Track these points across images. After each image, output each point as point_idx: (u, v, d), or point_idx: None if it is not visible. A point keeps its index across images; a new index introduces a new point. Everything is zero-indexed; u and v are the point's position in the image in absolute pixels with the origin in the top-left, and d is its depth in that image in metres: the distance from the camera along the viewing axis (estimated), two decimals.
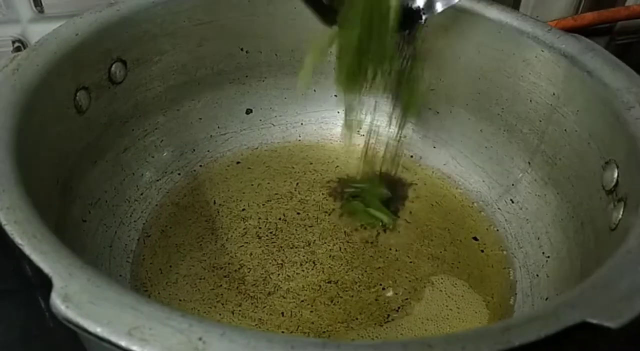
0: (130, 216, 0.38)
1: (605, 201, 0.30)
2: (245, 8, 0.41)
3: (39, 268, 0.19)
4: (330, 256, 0.38)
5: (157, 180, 0.41)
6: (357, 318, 0.34)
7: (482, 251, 0.39)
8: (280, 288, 0.36)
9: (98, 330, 0.17)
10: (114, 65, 0.36)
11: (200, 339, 0.17)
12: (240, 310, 0.34)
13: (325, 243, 0.39)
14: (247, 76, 0.44)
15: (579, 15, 0.62)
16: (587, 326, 0.18)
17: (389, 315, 0.34)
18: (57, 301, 0.18)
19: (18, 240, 0.20)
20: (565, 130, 0.35)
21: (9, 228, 0.20)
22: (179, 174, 0.42)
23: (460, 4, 0.39)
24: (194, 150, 0.43)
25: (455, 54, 0.41)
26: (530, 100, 0.38)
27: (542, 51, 0.36)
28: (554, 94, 0.36)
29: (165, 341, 0.17)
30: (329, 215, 0.41)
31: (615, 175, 0.29)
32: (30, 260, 0.19)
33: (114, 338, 0.17)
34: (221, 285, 0.35)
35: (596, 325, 0.18)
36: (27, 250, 0.19)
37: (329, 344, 0.17)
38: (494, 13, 0.38)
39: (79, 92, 0.33)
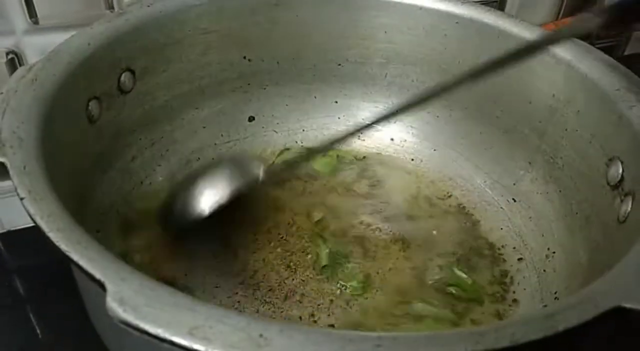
0: None
1: (610, 196, 0.32)
2: (248, 17, 0.42)
3: (89, 273, 0.19)
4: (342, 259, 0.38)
5: (165, 189, 0.41)
6: (375, 320, 0.34)
7: (487, 249, 0.40)
8: (296, 292, 0.36)
9: (159, 331, 0.17)
10: (123, 75, 0.36)
11: (261, 336, 0.17)
12: (258, 316, 0.34)
13: (336, 246, 0.39)
14: (249, 84, 0.45)
15: (560, 20, 0.64)
16: (622, 311, 0.19)
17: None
18: (114, 305, 0.18)
19: (64, 247, 0.20)
20: (565, 129, 0.37)
21: (53, 236, 0.20)
22: None
23: (459, 10, 0.40)
24: (199, 158, 0.44)
25: (454, 59, 0.42)
26: (530, 102, 0.39)
27: (541, 54, 0.37)
28: (553, 96, 0.37)
29: (228, 339, 0.17)
30: (338, 217, 0.41)
31: (620, 170, 0.31)
32: (79, 266, 0.19)
33: (176, 338, 0.17)
34: (237, 292, 0.36)
35: (631, 309, 0.19)
36: (75, 256, 0.20)
37: (385, 337, 0.17)
38: (492, 19, 0.40)
39: (91, 102, 0.34)
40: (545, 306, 0.35)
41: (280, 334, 0.17)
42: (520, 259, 0.39)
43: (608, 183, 0.32)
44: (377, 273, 0.37)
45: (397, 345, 0.17)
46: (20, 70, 0.29)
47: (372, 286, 0.37)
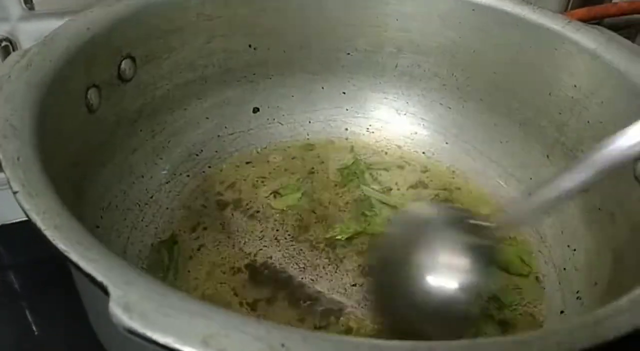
0: (142, 220, 0.36)
1: (639, 191, 0.30)
2: (254, 3, 0.40)
3: (90, 276, 0.17)
4: (352, 256, 0.37)
5: (167, 183, 0.39)
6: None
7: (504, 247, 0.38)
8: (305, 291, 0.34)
9: (169, 341, 0.15)
10: (123, 62, 0.34)
11: (283, 346, 0.15)
12: (265, 315, 0.33)
13: (346, 242, 0.37)
14: (254, 74, 0.43)
15: (569, 12, 0.63)
16: None
17: None
18: (118, 312, 0.16)
19: (62, 246, 0.18)
20: (588, 121, 0.35)
21: (49, 234, 0.18)
22: (188, 176, 0.41)
23: None
24: (201, 150, 0.42)
25: (469, 48, 0.41)
26: (550, 93, 0.37)
27: (563, 43, 0.36)
28: (575, 86, 0.36)
29: (246, 349, 0.15)
30: (346, 212, 0.40)
31: None
32: (79, 268, 0.17)
33: (188, 349, 0.15)
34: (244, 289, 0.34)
35: None
36: (74, 257, 0.18)
37: (421, 347, 0.16)
38: (511, 6, 0.38)
39: (90, 90, 0.32)
40: (563, 310, 0.33)
41: (304, 343, 0.16)
42: (538, 257, 0.37)
43: (636, 178, 0.30)
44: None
45: None
46: (13, 55, 0.28)
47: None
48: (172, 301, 0.16)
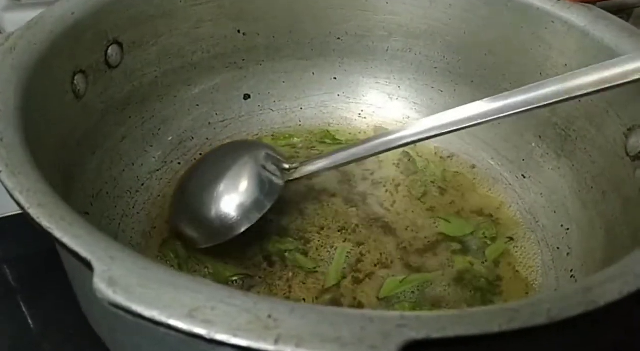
0: (133, 208, 0.36)
1: (630, 167, 0.30)
2: None
3: (74, 251, 0.17)
4: (343, 238, 0.36)
5: (157, 170, 0.39)
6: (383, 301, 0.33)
7: (497, 228, 0.38)
8: (299, 273, 0.34)
9: (154, 314, 0.15)
10: (110, 48, 0.34)
11: (269, 317, 0.15)
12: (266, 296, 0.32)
13: (337, 225, 0.37)
14: (244, 60, 0.43)
15: None
16: None
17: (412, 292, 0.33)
18: (102, 286, 0.16)
19: (45, 223, 0.18)
20: (579, 100, 0.35)
21: (33, 212, 0.18)
22: (179, 163, 0.40)
23: None
24: (192, 138, 0.42)
25: (460, 30, 0.40)
26: (540, 73, 0.37)
27: (552, 22, 0.36)
28: (565, 65, 0.35)
29: (233, 322, 0.15)
30: (338, 198, 0.39)
31: None
32: (63, 244, 0.17)
33: (173, 322, 0.15)
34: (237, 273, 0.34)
35: None
36: (58, 233, 0.17)
37: (408, 316, 0.16)
38: None
39: (76, 76, 0.31)
40: (557, 289, 0.33)
41: (292, 314, 0.15)
42: (531, 237, 0.37)
43: (627, 154, 0.30)
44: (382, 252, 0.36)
45: (422, 324, 0.15)
46: None
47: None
48: (156, 275, 0.16)
